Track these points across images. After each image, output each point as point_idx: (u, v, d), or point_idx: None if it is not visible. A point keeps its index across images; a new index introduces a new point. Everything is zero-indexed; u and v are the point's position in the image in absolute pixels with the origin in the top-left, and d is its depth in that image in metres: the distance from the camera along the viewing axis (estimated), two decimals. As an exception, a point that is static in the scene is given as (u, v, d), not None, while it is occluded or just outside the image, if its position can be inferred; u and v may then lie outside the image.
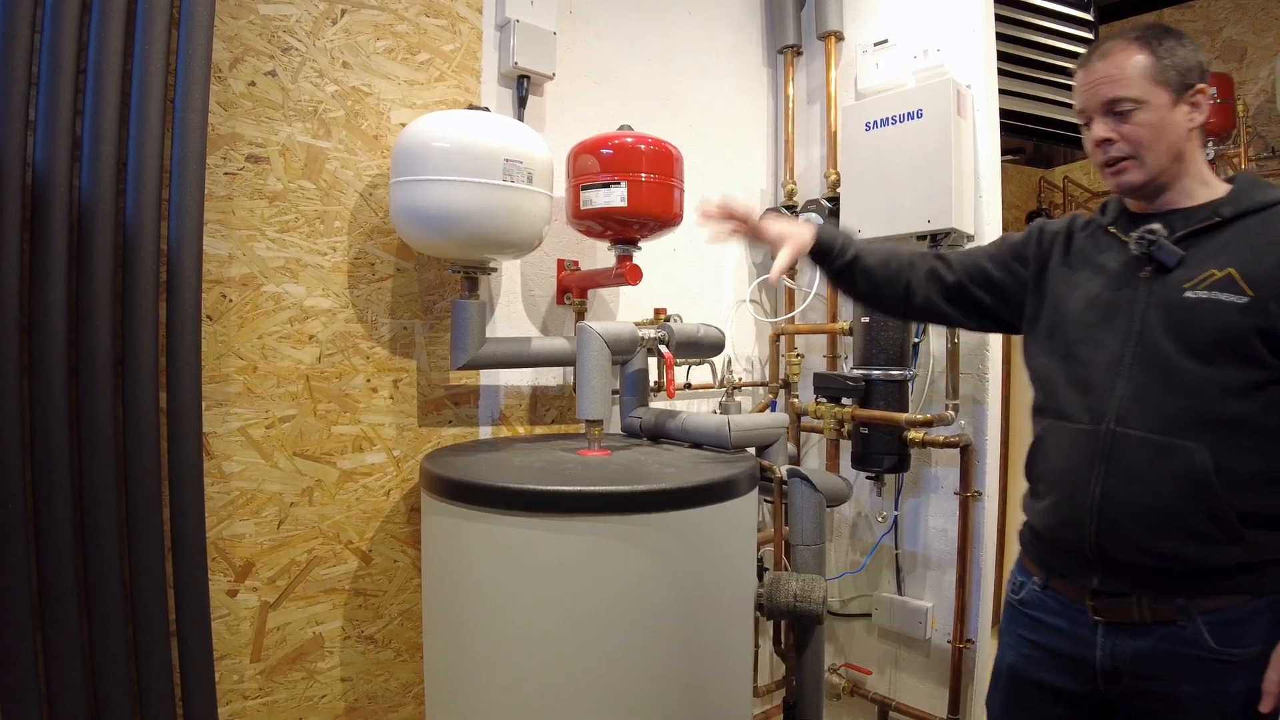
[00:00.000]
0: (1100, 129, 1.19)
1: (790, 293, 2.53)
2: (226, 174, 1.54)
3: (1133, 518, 1.14)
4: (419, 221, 1.55)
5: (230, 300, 1.53)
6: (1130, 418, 1.16)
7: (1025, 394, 2.90)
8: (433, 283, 1.80)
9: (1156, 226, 1.18)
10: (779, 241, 1.43)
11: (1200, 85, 1.17)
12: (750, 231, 1.48)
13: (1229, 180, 1.22)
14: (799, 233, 1.44)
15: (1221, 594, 1.12)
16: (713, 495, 1.34)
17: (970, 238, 2.10)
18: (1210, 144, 3.36)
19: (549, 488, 1.23)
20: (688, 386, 2.25)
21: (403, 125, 1.73)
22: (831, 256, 1.45)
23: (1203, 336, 1.12)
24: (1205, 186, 1.21)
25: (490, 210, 1.55)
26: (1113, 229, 1.27)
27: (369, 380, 1.70)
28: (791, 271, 2.50)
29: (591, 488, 1.23)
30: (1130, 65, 1.16)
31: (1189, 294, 1.14)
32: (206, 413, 1.48)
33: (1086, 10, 2.86)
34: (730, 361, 2.40)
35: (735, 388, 2.34)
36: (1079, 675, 1.23)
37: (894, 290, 1.46)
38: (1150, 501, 1.13)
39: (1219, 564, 1.11)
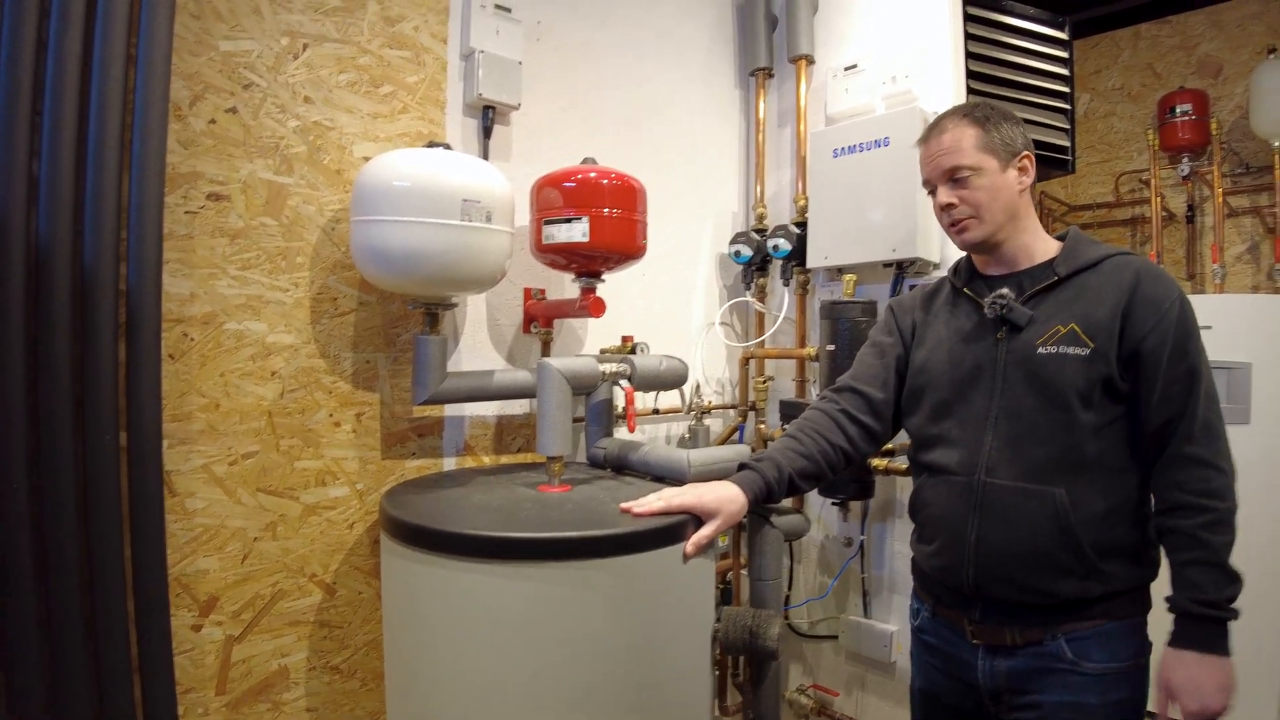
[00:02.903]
0: (944, 195, 1.40)
1: (760, 316, 2.61)
2: (187, 213, 1.60)
3: (1006, 560, 1.32)
4: (379, 261, 1.62)
5: (192, 339, 1.59)
6: (998, 468, 1.34)
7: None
8: (396, 315, 1.86)
9: (1005, 291, 1.37)
10: (710, 515, 1.44)
11: (1025, 153, 1.38)
12: (679, 512, 1.45)
13: (1059, 238, 1.43)
14: (728, 503, 1.45)
15: (1084, 619, 1.30)
16: (668, 538, 1.41)
17: (935, 265, 2.19)
18: (1185, 160, 3.47)
19: (500, 534, 1.30)
20: (655, 411, 2.33)
21: (366, 159, 1.79)
22: (773, 498, 1.52)
23: (1057, 387, 1.30)
24: (1042, 243, 1.41)
25: (449, 250, 1.62)
26: (968, 290, 1.46)
27: (331, 415, 1.76)
28: (762, 295, 2.59)
29: (543, 534, 1.30)
30: (964, 139, 1.37)
31: (1041, 350, 1.32)
32: (169, 451, 1.55)
33: (1061, 29, 2.94)
34: (699, 386, 2.48)
35: (704, 412, 2.42)
36: (969, 696, 1.42)
37: (839, 462, 1.54)
38: (1021, 544, 1.30)
39: (1083, 596, 1.29)
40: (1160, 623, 1.31)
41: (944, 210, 1.41)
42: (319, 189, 1.77)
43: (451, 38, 1.99)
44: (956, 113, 1.42)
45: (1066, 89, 2.92)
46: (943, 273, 2.15)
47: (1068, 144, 2.91)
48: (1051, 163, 2.87)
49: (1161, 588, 1.31)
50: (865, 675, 2.42)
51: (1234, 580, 1.22)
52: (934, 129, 1.43)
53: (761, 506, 1.76)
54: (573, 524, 1.37)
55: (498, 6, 2.01)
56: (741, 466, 1.53)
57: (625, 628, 1.38)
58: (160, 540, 1.48)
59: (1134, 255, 1.36)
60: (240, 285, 1.66)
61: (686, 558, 1.42)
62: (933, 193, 1.44)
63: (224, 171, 1.64)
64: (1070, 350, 1.30)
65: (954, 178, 1.39)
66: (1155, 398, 1.27)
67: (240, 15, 1.67)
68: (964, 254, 1.53)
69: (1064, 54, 2.94)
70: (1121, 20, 3.79)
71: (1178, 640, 1.25)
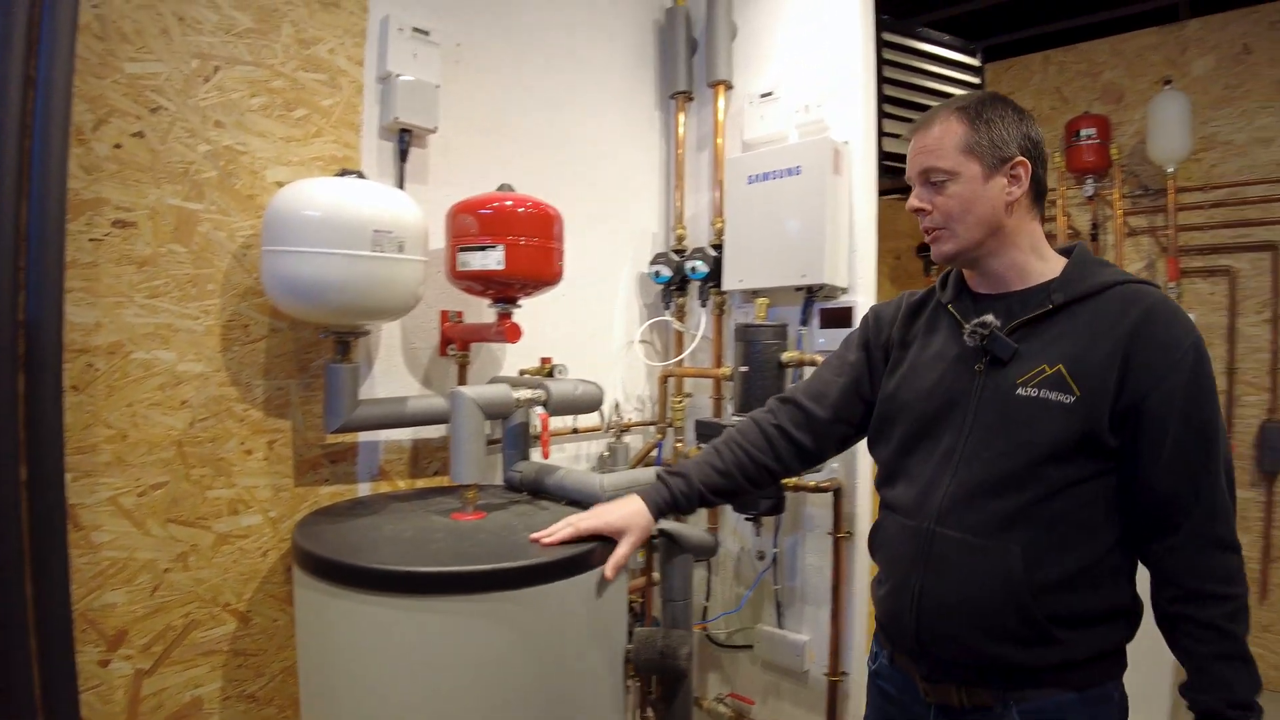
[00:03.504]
0: (914, 198, 1.27)
1: (680, 335, 2.70)
2: (91, 240, 1.60)
3: (949, 618, 1.19)
4: (289, 291, 1.64)
5: (97, 369, 1.60)
6: (949, 517, 1.20)
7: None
8: (308, 342, 1.89)
9: (989, 319, 1.21)
10: (619, 533, 1.46)
11: (1019, 159, 1.20)
12: (589, 536, 1.48)
13: (1064, 251, 1.27)
14: (635, 518, 1.46)
15: (1039, 687, 1.16)
16: (578, 566, 1.47)
17: (844, 290, 2.31)
18: (1090, 181, 3.68)
19: (410, 569, 1.35)
20: (575, 431, 2.40)
21: (279, 184, 1.81)
22: (680, 510, 1.49)
23: (1030, 436, 1.15)
24: (1040, 261, 1.25)
25: (360, 281, 1.65)
26: (952, 308, 1.31)
27: (243, 443, 1.78)
28: (681, 314, 2.68)
29: (453, 569, 1.35)
30: (946, 137, 1.22)
31: (1020, 391, 1.17)
32: (74, 484, 1.55)
33: (973, 56, 3.11)
34: (619, 404, 2.56)
35: (623, 429, 2.50)
36: None
37: (760, 478, 1.50)
38: (964, 602, 1.17)
39: (1034, 664, 1.15)
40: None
41: (916, 214, 1.28)
42: (230, 215, 1.78)
43: (368, 60, 2.01)
44: (951, 105, 1.26)
45: (975, 114, 3.07)
46: (853, 297, 2.30)
47: (975, 168, 3.06)
48: (960, 186, 3.02)
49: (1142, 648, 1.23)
50: (780, 684, 2.54)
51: (1257, 675, 1.11)
52: (924, 120, 1.27)
53: (674, 526, 1.85)
54: (484, 555, 1.42)
55: (416, 30, 2.04)
56: (655, 483, 1.51)
57: (537, 656, 1.44)
58: (64, 575, 1.49)
59: (1146, 286, 1.18)
60: (148, 314, 1.66)
61: (607, 580, 1.47)
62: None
63: (130, 198, 1.64)
64: (1052, 396, 1.14)
65: (930, 180, 1.24)
66: (1161, 464, 1.12)
67: (147, 36, 1.67)
68: None
69: (976, 80, 3.11)
70: (1032, 45, 4.00)
71: None
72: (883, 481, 1.38)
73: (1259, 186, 3.48)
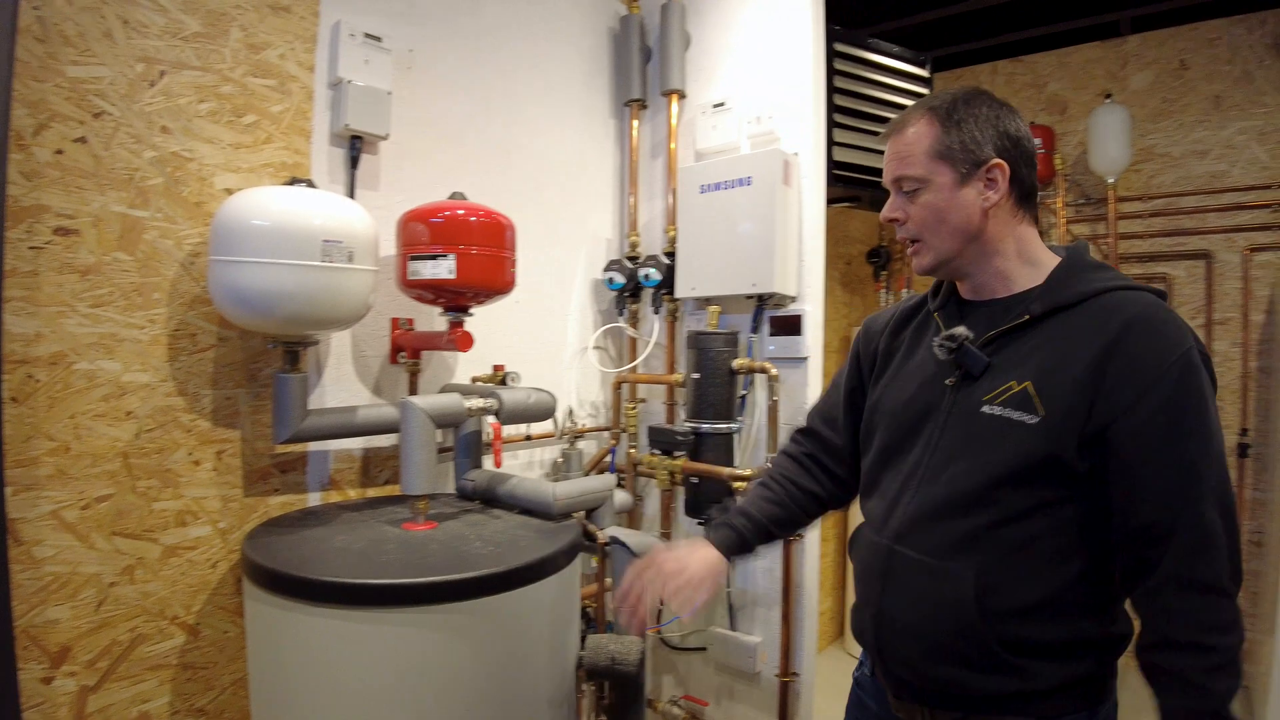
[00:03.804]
0: (888, 207, 1.20)
1: (633, 341, 2.74)
2: (31, 248, 1.58)
3: (904, 640, 1.16)
4: (237, 302, 1.65)
5: (38, 380, 1.58)
6: (908, 536, 1.16)
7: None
8: (257, 351, 1.88)
9: (959, 330, 1.16)
10: (704, 585, 1.34)
11: (995, 161, 1.12)
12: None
13: (1062, 253, 1.19)
14: (712, 570, 1.35)
15: (1001, 714, 1.11)
16: (529, 576, 1.51)
17: (793, 299, 2.36)
18: (1034, 189, 3.79)
19: (361, 581, 1.36)
20: (528, 438, 2.42)
21: (228, 191, 1.81)
22: (748, 548, 1.41)
23: (990, 456, 1.09)
24: (1028, 267, 1.16)
25: (309, 292, 1.65)
26: (938, 316, 1.25)
27: (191, 453, 1.78)
28: (635, 321, 2.72)
29: (404, 581, 1.37)
30: (916, 142, 1.15)
31: (985, 409, 1.11)
32: (14, 498, 1.53)
33: (923, 66, 3.18)
34: (572, 410, 2.58)
35: (577, 436, 2.53)
36: None
37: (812, 507, 1.45)
38: (918, 624, 1.14)
39: (993, 691, 1.10)
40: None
41: (892, 224, 1.22)
42: (177, 222, 1.77)
43: (319, 66, 2.01)
44: (924, 104, 1.18)
45: (924, 125, 3.15)
46: (802, 305, 2.35)
47: (923, 177, 3.14)
48: (908, 195, 3.10)
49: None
50: (733, 685, 2.59)
51: None
52: (898, 122, 1.20)
53: (625, 534, 1.89)
54: (436, 566, 1.45)
55: (368, 36, 2.04)
56: (720, 524, 1.43)
57: (490, 665, 1.47)
58: (4, 591, 1.47)
59: (1136, 293, 1.08)
60: (92, 323, 1.65)
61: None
62: None
63: (73, 205, 1.62)
64: (1016, 415, 1.07)
65: (903, 189, 1.18)
66: (1136, 493, 1.03)
67: (91, 40, 1.65)
68: None
69: (925, 90, 3.18)
70: (980, 57, 4.11)
71: None
72: (862, 492, 1.34)
73: (1194, 197, 3.63)
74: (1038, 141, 3.62)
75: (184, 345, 1.77)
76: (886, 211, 1.21)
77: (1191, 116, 3.64)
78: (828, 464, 1.44)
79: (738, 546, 1.40)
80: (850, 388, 1.41)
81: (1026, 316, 1.11)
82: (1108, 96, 3.62)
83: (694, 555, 1.36)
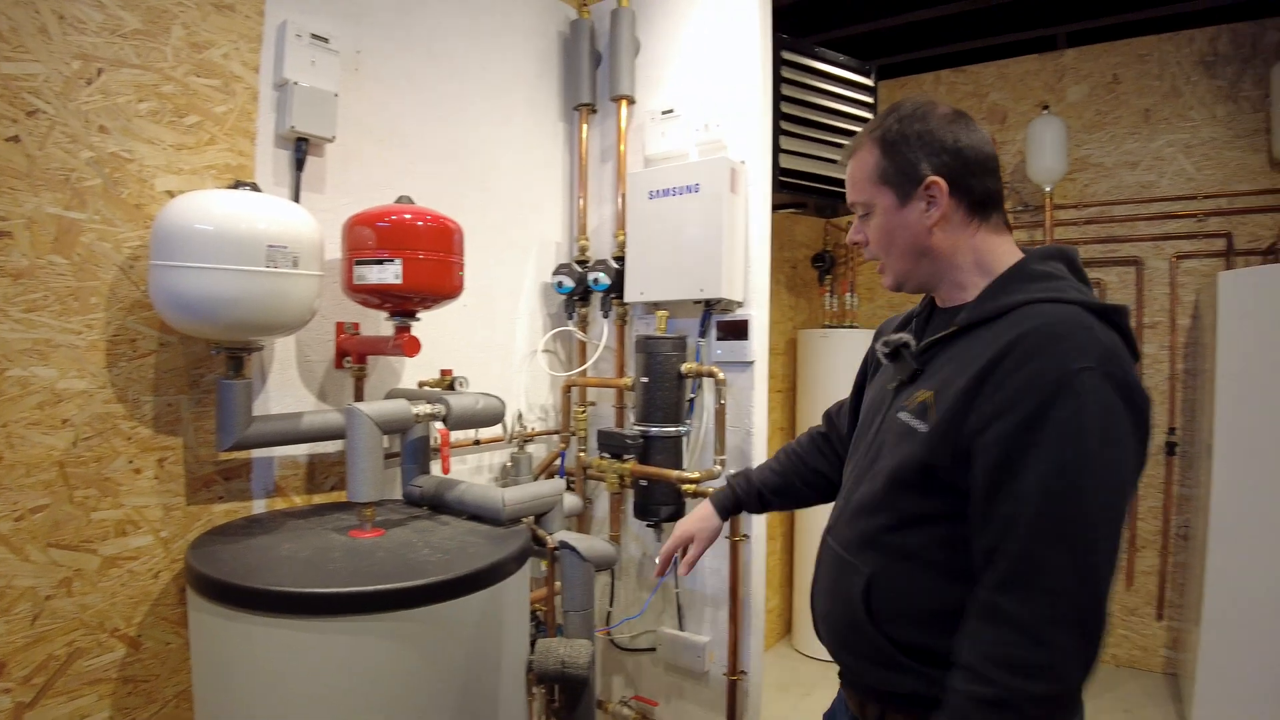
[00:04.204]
0: (852, 230, 1.26)
1: (583, 345, 2.76)
2: (-38, 251, 1.55)
3: (823, 628, 1.25)
4: (179, 308, 1.62)
5: (-32, 388, 1.55)
6: (834, 529, 1.25)
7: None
8: (199, 356, 1.86)
9: (897, 337, 1.21)
10: (690, 539, 1.62)
11: (931, 179, 1.13)
12: (675, 548, 1.66)
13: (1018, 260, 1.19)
14: (702, 523, 1.63)
15: (910, 715, 1.13)
16: (479, 583, 1.52)
17: (739, 304, 2.42)
18: (975, 196, 3.91)
19: (308, 590, 1.37)
20: (476, 442, 2.43)
21: (169, 193, 1.79)
22: (745, 506, 1.65)
23: (891, 461, 1.13)
24: (983, 277, 1.16)
25: (254, 298, 1.64)
26: (915, 321, 1.29)
27: (131, 461, 1.75)
28: (584, 324, 2.74)
29: (351, 589, 1.38)
30: (860, 168, 1.20)
31: (899, 414, 1.15)
32: (-58, 509, 1.50)
33: (867, 75, 3.27)
34: (521, 414, 2.60)
35: (526, 439, 2.55)
36: None
37: (817, 482, 1.59)
38: (830, 615, 1.22)
39: (895, 689, 1.13)
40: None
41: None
42: (116, 225, 1.74)
43: (264, 66, 1.99)
44: (868, 129, 1.21)
45: (868, 132, 3.24)
46: (748, 311, 2.41)
47: (868, 184, 3.23)
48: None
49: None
50: (682, 685, 2.63)
51: None
52: (848, 148, 1.25)
53: (574, 538, 1.92)
54: (383, 574, 1.45)
55: (315, 36, 2.03)
56: (722, 486, 1.69)
57: (440, 672, 1.48)
58: (-67, 605, 1.44)
59: (1059, 306, 1.03)
60: (25, 328, 1.61)
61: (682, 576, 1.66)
62: None
63: (4, 206, 1.58)
64: (914, 423, 1.10)
65: (860, 214, 1.23)
66: (978, 514, 1.01)
67: (24, 35, 1.61)
68: None
69: (869, 99, 3.27)
70: (924, 66, 4.23)
71: None
72: None
73: (1125, 206, 3.79)
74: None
75: (123, 351, 1.75)
76: (851, 235, 1.27)
77: (1123, 128, 3.80)
78: (837, 448, 1.57)
79: (732, 505, 1.63)
80: (858, 385, 1.49)
81: (954, 327, 1.13)
82: (1045, 108, 3.76)
83: (694, 516, 1.64)
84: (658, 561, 1.66)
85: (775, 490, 1.61)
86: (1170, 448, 3.70)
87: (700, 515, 1.64)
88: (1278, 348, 2.90)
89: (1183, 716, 3.28)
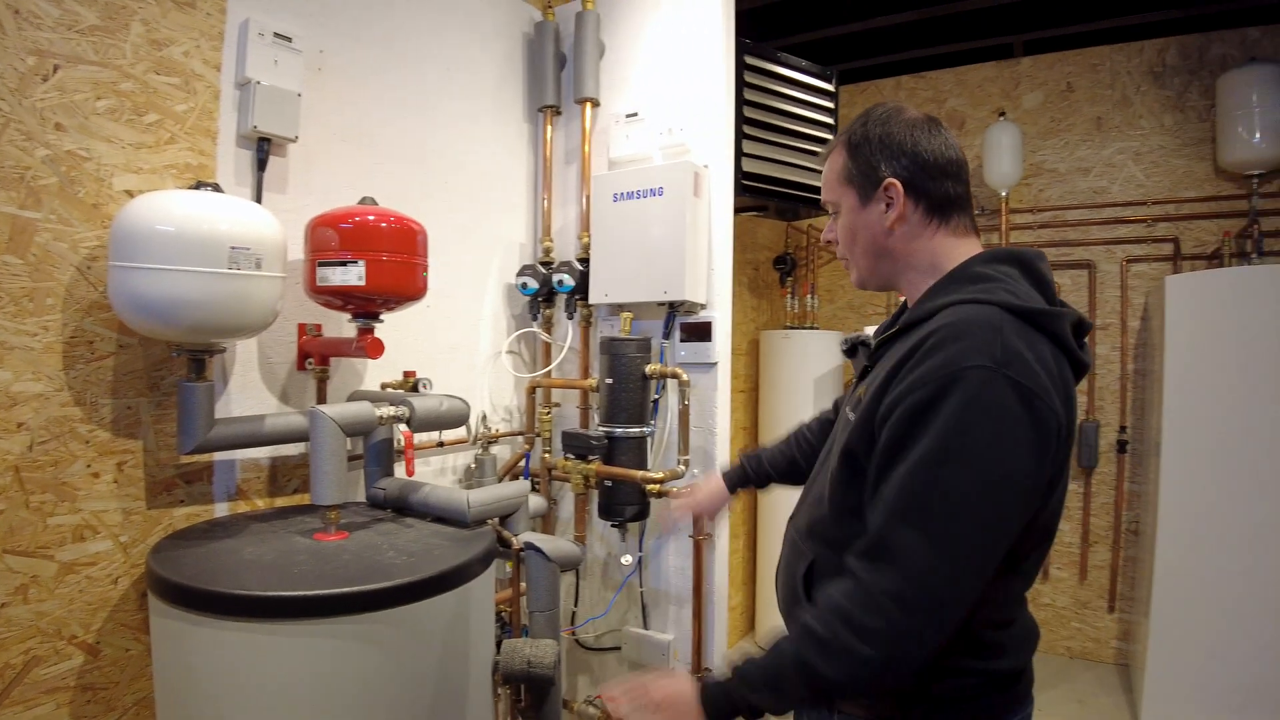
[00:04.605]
0: (826, 229, 1.32)
1: (547, 346, 2.78)
2: (-87, 252, 1.52)
3: (781, 608, 1.31)
4: (139, 310, 1.61)
5: (-80, 391, 1.52)
6: (794, 518, 1.32)
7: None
8: (159, 358, 1.84)
9: (856, 335, 1.32)
10: (702, 510, 1.83)
11: (888, 180, 1.18)
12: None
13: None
14: (714, 498, 1.80)
15: (853, 703, 1.16)
16: (444, 585, 1.53)
17: (703, 306, 2.45)
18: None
19: (273, 593, 1.37)
20: (440, 444, 2.44)
21: (128, 193, 1.77)
22: (751, 482, 1.76)
23: (837, 453, 1.17)
24: (935, 279, 1.18)
25: (216, 300, 1.63)
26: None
27: (89, 465, 1.73)
28: (549, 326, 2.76)
29: (317, 592, 1.38)
30: (831, 170, 1.27)
31: (846, 407, 1.23)
32: (-108, 514, 1.47)
33: (828, 81, 3.33)
34: (486, 415, 2.61)
35: (491, 441, 2.56)
36: None
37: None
38: (783, 596, 1.29)
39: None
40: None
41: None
42: (73, 225, 1.72)
43: (226, 65, 1.97)
44: (844, 132, 1.27)
45: (831, 136, 3.30)
46: (711, 313, 2.44)
47: (829, 188, 3.28)
48: (815, 203, 3.25)
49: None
50: (646, 683, 2.66)
51: (780, 695, 1.05)
52: (825, 150, 1.31)
53: (540, 539, 1.94)
54: (349, 577, 1.46)
55: (278, 35, 2.02)
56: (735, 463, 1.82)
57: (406, 674, 1.49)
58: (-117, 612, 1.42)
59: (968, 306, 1.06)
60: (-21, 330, 1.59)
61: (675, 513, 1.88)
62: None
63: (-43, 206, 1.57)
64: (852, 416, 1.16)
65: (829, 212, 1.30)
66: (868, 499, 1.08)
67: (-23, 31, 1.59)
68: None
69: (831, 104, 3.33)
70: (884, 71, 4.31)
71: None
72: None
73: (1078, 211, 3.91)
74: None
75: (81, 353, 1.73)
76: (824, 234, 1.34)
77: (1076, 135, 3.92)
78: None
79: (739, 479, 1.77)
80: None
81: (898, 326, 1.17)
82: (1002, 114, 3.86)
83: (706, 486, 1.81)
84: (674, 511, 1.87)
85: (781, 471, 1.72)
86: (1121, 446, 3.82)
87: (711, 490, 1.79)
88: (1221, 349, 3.01)
89: (1133, 706, 3.39)
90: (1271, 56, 3.42)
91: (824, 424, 1.68)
